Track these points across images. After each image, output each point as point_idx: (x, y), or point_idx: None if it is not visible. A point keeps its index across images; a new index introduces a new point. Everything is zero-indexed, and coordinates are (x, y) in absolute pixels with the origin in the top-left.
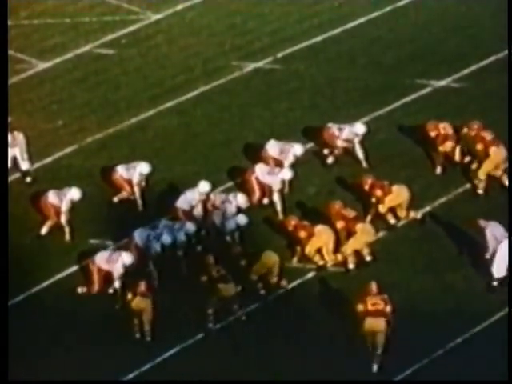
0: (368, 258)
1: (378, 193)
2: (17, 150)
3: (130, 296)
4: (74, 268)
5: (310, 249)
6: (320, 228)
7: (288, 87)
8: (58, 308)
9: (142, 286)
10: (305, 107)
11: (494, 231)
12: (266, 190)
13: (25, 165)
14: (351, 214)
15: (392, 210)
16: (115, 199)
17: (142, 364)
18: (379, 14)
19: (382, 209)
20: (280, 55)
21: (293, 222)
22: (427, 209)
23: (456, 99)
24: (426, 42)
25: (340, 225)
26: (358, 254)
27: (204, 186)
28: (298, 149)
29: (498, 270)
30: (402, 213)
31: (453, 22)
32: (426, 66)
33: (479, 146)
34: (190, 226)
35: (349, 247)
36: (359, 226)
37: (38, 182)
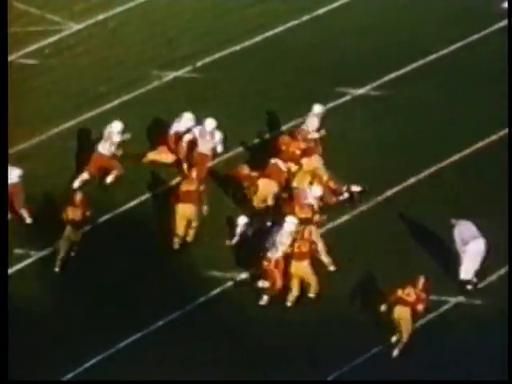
0: (311, 295)
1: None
2: None
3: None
4: None
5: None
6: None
7: (208, 96)
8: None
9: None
10: (225, 116)
11: (462, 231)
12: None
13: None
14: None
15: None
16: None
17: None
18: (297, 23)
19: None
20: (199, 64)
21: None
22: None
23: (376, 107)
24: (345, 49)
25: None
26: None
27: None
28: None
29: (466, 272)
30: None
31: (369, 30)
32: (346, 74)
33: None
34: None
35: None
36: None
37: None
